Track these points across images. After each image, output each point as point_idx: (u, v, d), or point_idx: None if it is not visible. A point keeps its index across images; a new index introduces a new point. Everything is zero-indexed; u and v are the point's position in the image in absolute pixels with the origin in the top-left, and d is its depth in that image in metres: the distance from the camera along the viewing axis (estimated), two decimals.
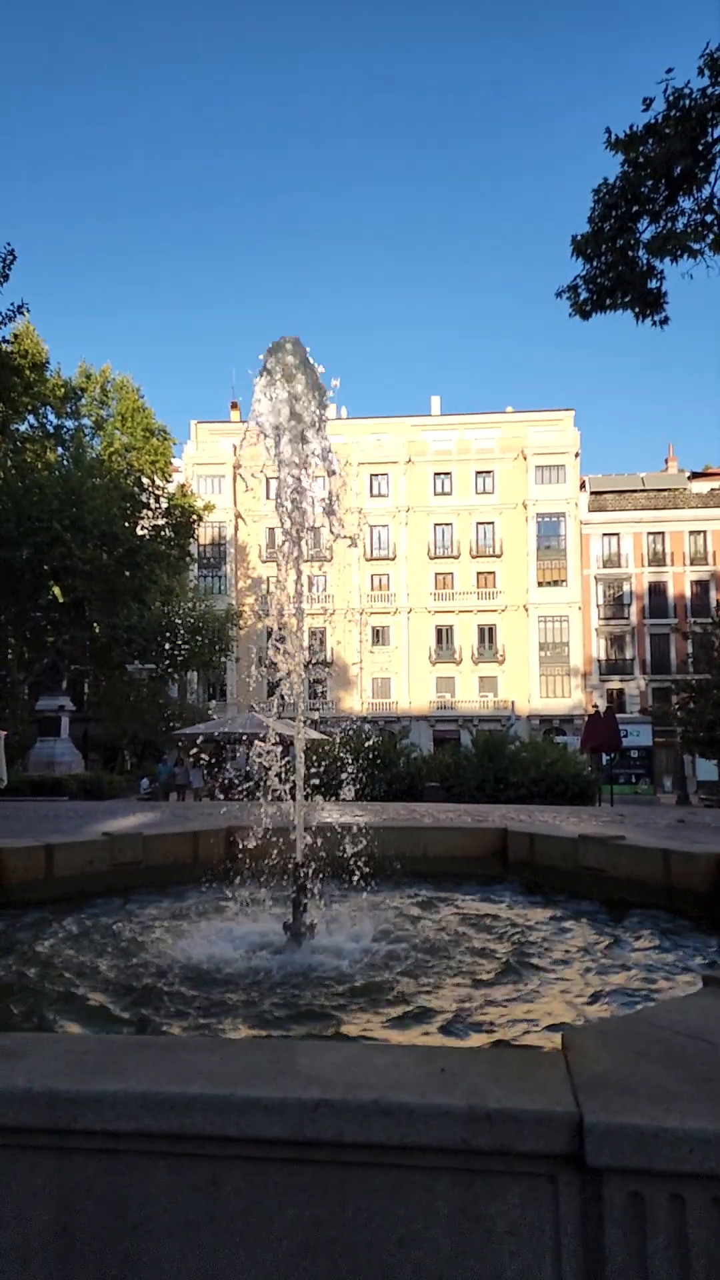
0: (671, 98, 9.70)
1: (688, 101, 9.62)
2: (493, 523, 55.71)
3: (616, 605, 54.28)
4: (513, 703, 51.46)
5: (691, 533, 54.37)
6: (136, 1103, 1.80)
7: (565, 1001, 3.48)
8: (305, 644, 5.17)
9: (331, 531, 5.06)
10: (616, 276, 10.79)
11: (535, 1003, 3.46)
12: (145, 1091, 1.81)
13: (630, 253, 10.68)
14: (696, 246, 10.03)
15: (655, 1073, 1.94)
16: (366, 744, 19.73)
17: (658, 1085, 1.87)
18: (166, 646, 37.08)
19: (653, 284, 10.90)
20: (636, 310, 11.08)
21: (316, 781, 5.13)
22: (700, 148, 9.63)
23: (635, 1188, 1.71)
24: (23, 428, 37.73)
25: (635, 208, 10.26)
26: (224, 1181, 1.77)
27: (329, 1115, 1.74)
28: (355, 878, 5.14)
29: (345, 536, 5.13)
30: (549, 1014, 3.31)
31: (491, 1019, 3.23)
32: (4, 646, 35.77)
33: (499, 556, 55.06)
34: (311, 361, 5.01)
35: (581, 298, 11.25)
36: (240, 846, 6.07)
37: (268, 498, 5.27)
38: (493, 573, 55.25)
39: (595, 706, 43.20)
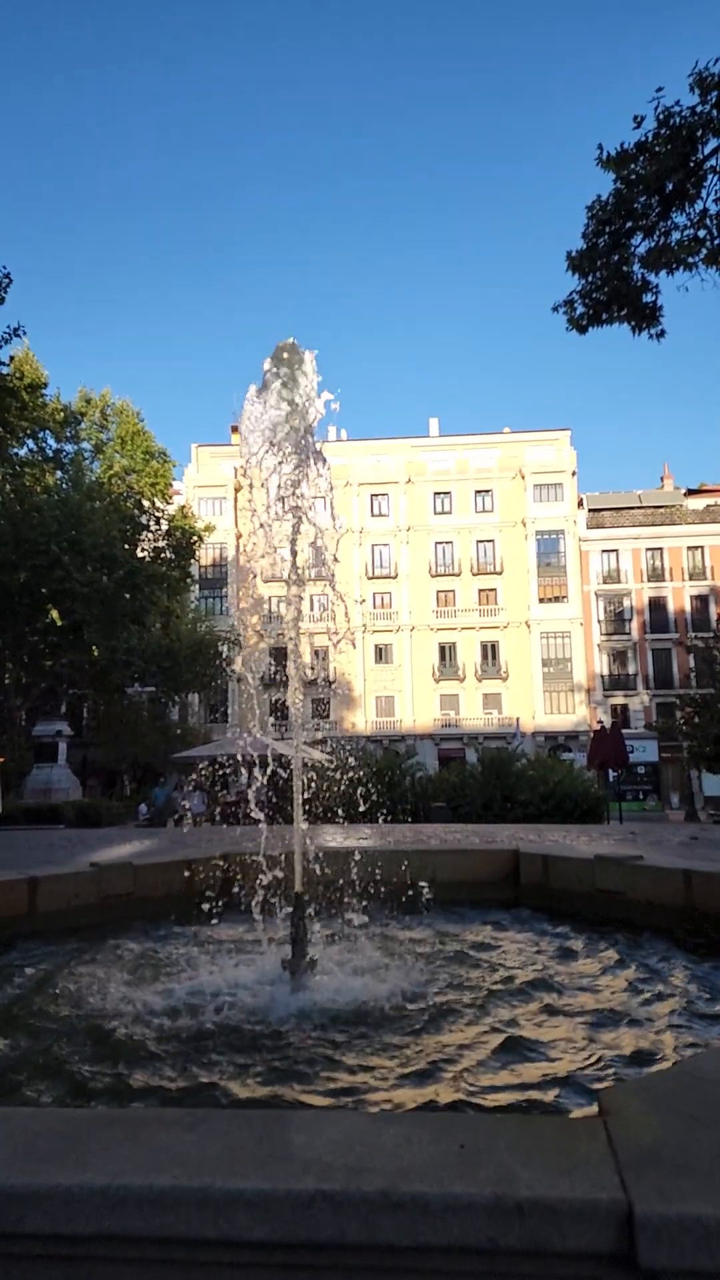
0: (662, 116, 9.71)
1: (678, 119, 9.63)
2: (493, 540, 55.68)
3: (617, 621, 54.06)
4: (517, 719, 51.01)
5: (689, 548, 54.30)
6: (97, 1199, 1.50)
7: (597, 1051, 3.14)
8: (306, 662, 4.91)
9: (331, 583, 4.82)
10: (612, 291, 10.74)
11: (563, 1051, 3.13)
12: (107, 1186, 1.51)
13: (625, 268, 10.64)
14: (691, 260, 9.97)
15: (714, 1142, 1.64)
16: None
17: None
18: (166, 665, 36.76)
19: (648, 298, 10.86)
20: (633, 324, 11.02)
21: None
22: (692, 164, 9.60)
23: None
24: (22, 452, 37.72)
25: (629, 223, 10.24)
26: None
27: (327, 1211, 1.45)
28: (360, 907, 4.83)
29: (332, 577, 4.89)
30: (580, 1066, 2.98)
31: (515, 1074, 2.90)
32: (1, 671, 35.46)
33: (500, 574, 54.96)
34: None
35: (578, 312, 11.18)
36: (237, 876, 5.76)
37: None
38: (494, 590, 55.12)
39: (600, 722, 42.82)
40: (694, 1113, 1.74)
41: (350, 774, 4.84)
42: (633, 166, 9.88)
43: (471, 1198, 1.43)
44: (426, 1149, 1.58)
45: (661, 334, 11.13)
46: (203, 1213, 1.46)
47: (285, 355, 4.70)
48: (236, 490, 55.25)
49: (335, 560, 4.73)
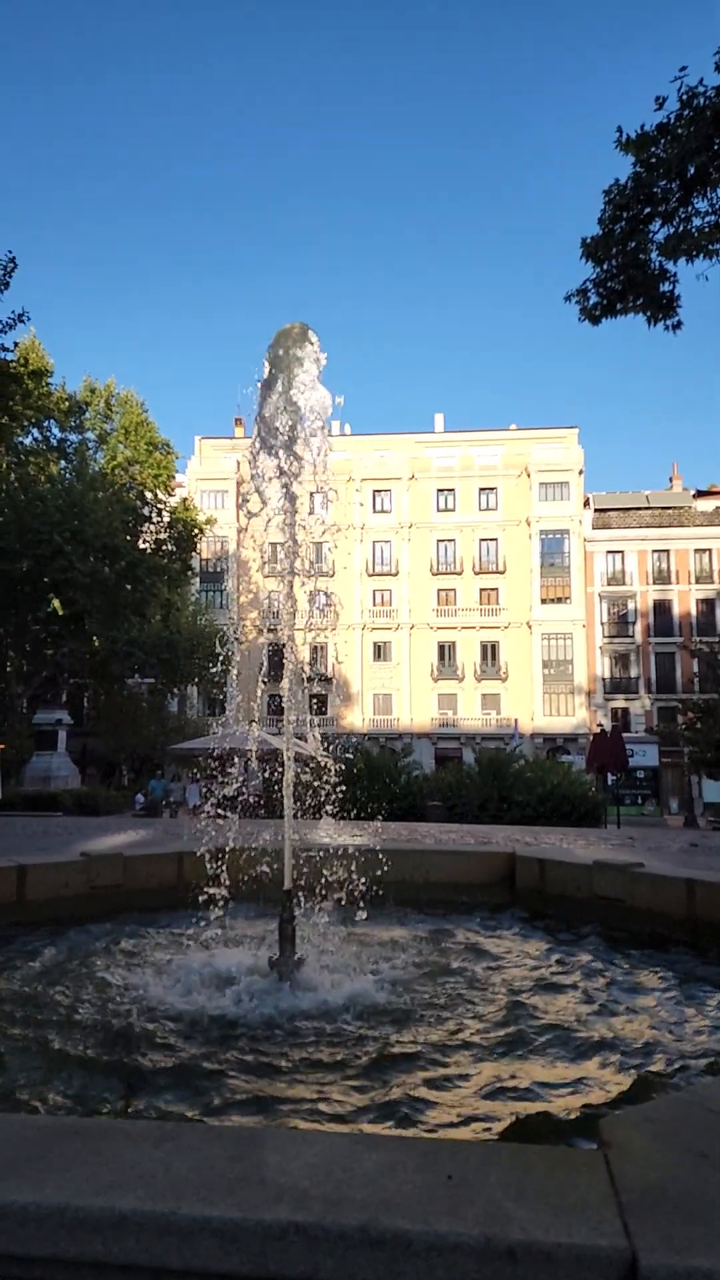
0: (685, 96, 9.37)
1: (702, 100, 9.29)
2: (496, 539, 55.43)
3: (621, 623, 53.84)
4: (516, 720, 50.85)
5: (697, 551, 54.00)
6: (53, 1220, 1.39)
7: (593, 1070, 3.02)
8: (304, 657, 4.81)
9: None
10: (628, 279, 10.45)
11: (558, 1071, 3.00)
12: (65, 1206, 1.39)
13: (642, 255, 10.34)
14: (712, 247, 9.70)
15: None
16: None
17: None
18: (166, 657, 36.68)
19: (665, 287, 10.55)
20: (648, 314, 10.72)
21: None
22: (716, 147, 9.29)
23: None
24: (27, 441, 37.65)
25: (647, 209, 9.93)
26: None
27: (300, 1245, 1.32)
28: (351, 906, 4.71)
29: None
30: (575, 1088, 2.85)
31: (506, 1087, 2.77)
32: (3, 659, 35.39)
33: (502, 573, 54.74)
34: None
35: (591, 302, 10.90)
36: (228, 869, 5.65)
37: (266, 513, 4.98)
38: (496, 589, 54.89)
39: (600, 725, 42.68)
40: (703, 1149, 1.61)
41: (345, 769, 4.72)
42: (653, 149, 9.55)
43: (459, 1238, 1.31)
44: (411, 1179, 1.46)
45: (678, 325, 10.84)
46: (166, 1240, 1.35)
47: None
48: (239, 484, 55.04)
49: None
